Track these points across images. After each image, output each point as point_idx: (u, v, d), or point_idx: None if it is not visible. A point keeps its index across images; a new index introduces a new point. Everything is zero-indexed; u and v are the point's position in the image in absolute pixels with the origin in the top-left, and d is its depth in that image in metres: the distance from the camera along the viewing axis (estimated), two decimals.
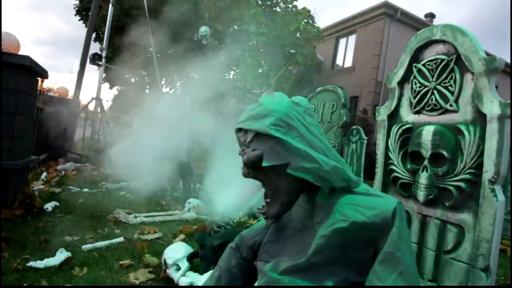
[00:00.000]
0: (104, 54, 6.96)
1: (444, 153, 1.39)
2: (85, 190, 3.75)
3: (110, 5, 7.14)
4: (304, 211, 0.93)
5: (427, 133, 1.45)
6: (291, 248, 0.90)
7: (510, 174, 3.44)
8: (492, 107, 1.27)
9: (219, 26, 9.82)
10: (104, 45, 7.15)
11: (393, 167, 1.65)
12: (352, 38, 13.18)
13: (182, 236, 2.49)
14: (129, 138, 5.24)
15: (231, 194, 3.07)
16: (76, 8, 13.17)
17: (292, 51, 10.87)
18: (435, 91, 1.49)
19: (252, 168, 0.90)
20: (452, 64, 1.43)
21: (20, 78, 2.69)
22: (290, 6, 10.86)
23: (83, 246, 2.10)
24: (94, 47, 8.53)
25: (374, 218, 0.76)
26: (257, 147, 0.86)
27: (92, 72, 38.13)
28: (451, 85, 1.43)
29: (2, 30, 2.93)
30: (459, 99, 1.41)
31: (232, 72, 11.75)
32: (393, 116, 1.74)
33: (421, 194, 1.47)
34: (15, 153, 2.69)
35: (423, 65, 1.55)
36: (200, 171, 4.50)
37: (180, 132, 4.29)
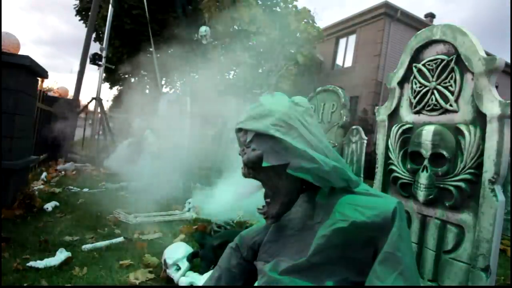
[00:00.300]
0: (104, 54, 6.96)
1: (444, 153, 1.39)
2: (85, 190, 3.75)
3: (110, 6, 7.14)
4: (304, 211, 0.93)
5: (427, 133, 1.45)
6: (291, 248, 0.90)
7: (510, 174, 3.44)
8: (492, 107, 1.27)
9: (219, 26, 9.82)
10: (104, 45, 7.15)
11: (393, 167, 1.65)
12: (352, 38, 13.19)
13: (182, 236, 2.49)
14: (130, 138, 5.25)
15: (227, 192, 3.07)
16: (76, 8, 13.18)
17: (292, 51, 10.88)
18: (435, 91, 1.49)
19: (252, 168, 0.90)
20: (452, 64, 1.43)
21: (20, 78, 2.69)
22: (290, 6, 10.86)
23: (83, 246, 2.10)
24: (94, 47, 8.53)
25: (374, 218, 0.76)
26: (257, 147, 0.86)
27: (92, 72, 38.17)
28: (451, 85, 1.43)
29: (2, 30, 2.93)
30: (459, 99, 1.41)
31: (232, 72, 11.76)
32: (393, 116, 1.74)
33: (421, 194, 1.47)
34: (15, 153, 2.69)
35: (423, 65, 1.55)
36: (200, 171, 4.50)
37: (180, 131, 4.30)
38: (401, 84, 1.70)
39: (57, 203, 2.95)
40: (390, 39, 11.71)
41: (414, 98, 1.59)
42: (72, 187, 3.77)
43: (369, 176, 3.43)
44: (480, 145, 1.29)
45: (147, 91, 11.09)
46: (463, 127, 1.35)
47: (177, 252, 1.84)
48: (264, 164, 0.85)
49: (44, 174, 4.20)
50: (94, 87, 7.89)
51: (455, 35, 1.41)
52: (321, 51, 13.46)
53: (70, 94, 7.24)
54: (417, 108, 1.57)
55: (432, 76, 1.50)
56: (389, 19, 11.69)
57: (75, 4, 13.19)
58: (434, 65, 1.50)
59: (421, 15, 13.50)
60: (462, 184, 1.34)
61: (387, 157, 1.71)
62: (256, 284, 0.98)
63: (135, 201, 3.35)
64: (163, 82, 10.34)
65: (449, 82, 1.44)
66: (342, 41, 13.86)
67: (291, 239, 0.92)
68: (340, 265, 0.80)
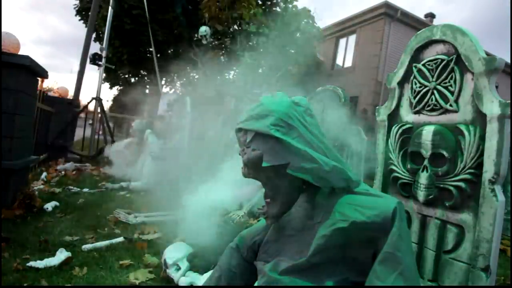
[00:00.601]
0: (104, 54, 6.95)
1: (444, 153, 1.39)
2: (85, 190, 3.75)
3: (110, 6, 7.13)
4: (304, 211, 0.93)
5: (427, 133, 1.45)
6: (291, 248, 0.90)
7: (510, 174, 3.43)
8: (492, 107, 1.27)
9: (219, 26, 9.82)
10: (104, 45, 7.15)
11: (393, 167, 1.65)
12: (352, 38, 13.19)
13: (182, 236, 2.49)
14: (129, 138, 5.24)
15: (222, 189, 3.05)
16: (76, 8, 13.16)
17: (292, 51, 10.87)
18: (435, 91, 1.49)
19: (252, 168, 0.90)
20: (452, 64, 1.42)
21: (20, 78, 2.69)
22: (290, 6, 10.86)
23: (83, 246, 2.10)
24: (94, 47, 8.53)
25: (374, 218, 0.76)
26: (257, 147, 0.86)
27: (92, 72, 38.16)
28: (451, 85, 1.43)
29: (2, 30, 2.93)
30: (459, 99, 1.41)
31: (232, 72, 11.76)
32: (393, 116, 1.73)
33: (421, 194, 1.47)
34: (15, 153, 2.69)
35: (423, 65, 1.55)
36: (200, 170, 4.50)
37: (180, 131, 4.30)
38: (401, 84, 1.69)
39: (57, 203, 2.94)
40: (390, 39, 11.72)
41: (414, 98, 1.59)
42: (72, 187, 3.76)
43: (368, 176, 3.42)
44: (480, 145, 1.29)
45: (147, 91, 11.09)
46: (463, 127, 1.35)
47: (177, 252, 1.84)
48: (264, 164, 0.85)
49: (44, 174, 4.20)
50: (94, 87, 7.88)
51: (455, 35, 1.41)
52: (321, 51, 13.46)
53: (70, 94, 7.24)
54: (417, 108, 1.57)
55: (432, 76, 1.50)
56: (389, 19, 11.69)
57: (75, 4, 13.17)
58: (434, 65, 1.50)
59: (421, 15, 13.52)
60: (462, 184, 1.34)
61: (387, 157, 1.71)
62: (256, 284, 0.98)
63: (135, 201, 3.35)
64: (163, 82, 10.34)
65: (449, 82, 1.44)
66: (342, 41, 13.86)
67: (291, 239, 0.92)
68: (340, 265, 0.80)
